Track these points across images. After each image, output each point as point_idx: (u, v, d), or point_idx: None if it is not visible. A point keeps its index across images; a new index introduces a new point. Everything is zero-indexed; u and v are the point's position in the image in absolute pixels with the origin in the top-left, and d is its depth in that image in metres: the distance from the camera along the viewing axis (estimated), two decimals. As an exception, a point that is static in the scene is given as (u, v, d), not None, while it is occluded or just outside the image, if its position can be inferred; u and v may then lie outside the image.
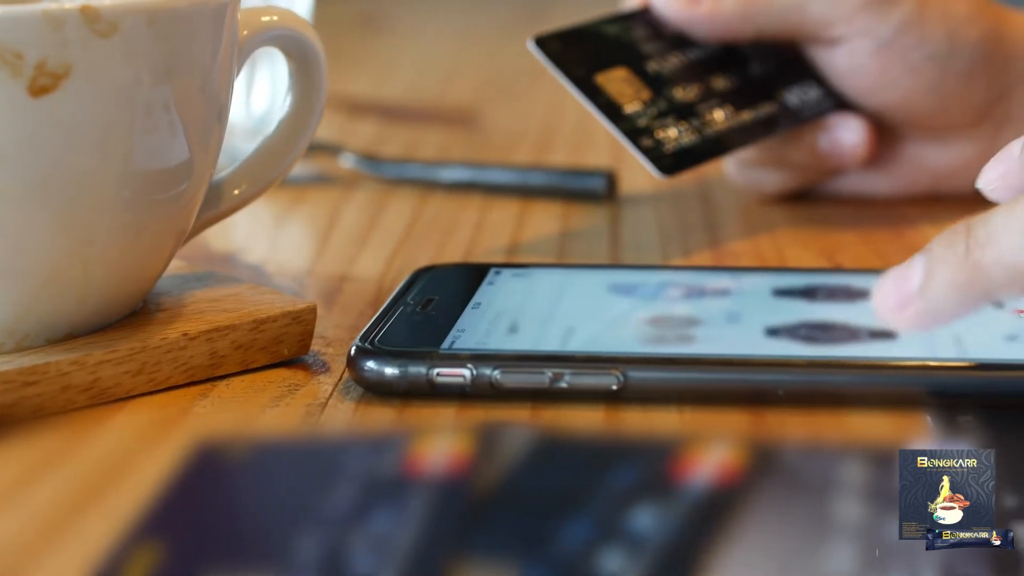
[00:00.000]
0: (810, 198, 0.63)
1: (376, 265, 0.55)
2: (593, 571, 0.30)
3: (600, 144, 0.75)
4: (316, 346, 0.46)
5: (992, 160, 0.41)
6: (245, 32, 0.46)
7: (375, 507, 0.33)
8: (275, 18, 0.47)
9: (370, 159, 0.68)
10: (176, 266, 0.48)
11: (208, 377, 0.43)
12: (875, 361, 0.40)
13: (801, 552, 0.31)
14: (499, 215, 0.62)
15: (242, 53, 0.46)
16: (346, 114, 0.89)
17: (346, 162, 0.68)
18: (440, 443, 0.36)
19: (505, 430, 0.37)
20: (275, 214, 0.64)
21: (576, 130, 0.79)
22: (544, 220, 0.61)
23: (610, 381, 0.40)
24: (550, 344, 0.42)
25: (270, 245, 0.60)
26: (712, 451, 0.35)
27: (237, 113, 0.71)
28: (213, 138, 0.44)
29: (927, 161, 0.63)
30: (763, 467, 0.35)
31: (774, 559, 0.31)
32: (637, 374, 0.40)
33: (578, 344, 0.42)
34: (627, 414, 0.40)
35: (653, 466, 0.35)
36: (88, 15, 0.39)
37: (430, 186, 0.66)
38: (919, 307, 0.38)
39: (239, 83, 0.52)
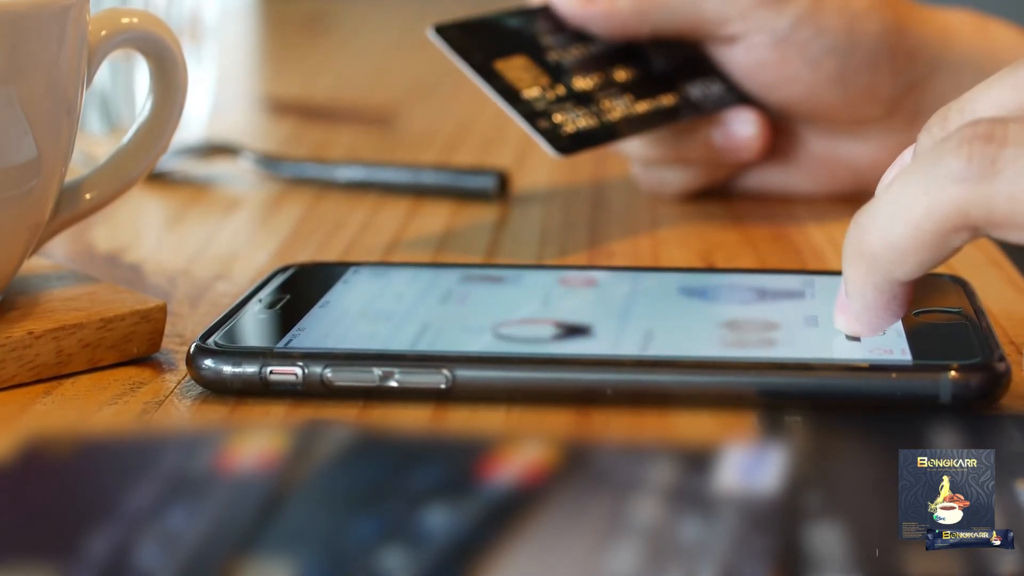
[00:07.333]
0: (702, 197, 0.63)
1: (255, 264, 0.56)
2: (371, 570, 0.30)
3: (508, 145, 0.75)
4: (172, 344, 0.46)
5: (890, 168, 0.41)
6: (103, 32, 0.46)
7: (173, 504, 0.33)
8: (135, 20, 0.47)
9: (269, 159, 0.68)
10: (41, 265, 0.49)
11: (55, 375, 0.44)
12: (704, 360, 0.41)
13: (586, 552, 0.31)
14: (388, 214, 0.62)
15: (98, 53, 0.46)
16: (268, 114, 0.89)
17: (246, 162, 0.68)
18: (252, 441, 0.36)
19: (321, 429, 0.37)
20: (168, 214, 0.64)
21: (488, 130, 0.79)
22: (431, 219, 0.61)
23: (439, 380, 0.40)
24: (386, 343, 0.42)
25: (156, 244, 0.61)
26: (522, 451, 0.35)
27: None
28: (63, 135, 0.45)
29: (844, 156, 0.62)
30: (571, 467, 0.35)
31: (557, 559, 0.31)
32: (465, 373, 0.40)
33: (412, 343, 0.42)
34: (454, 413, 0.40)
35: (457, 465, 0.35)
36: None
37: (327, 186, 0.67)
38: (852, 309, 0.40)
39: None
